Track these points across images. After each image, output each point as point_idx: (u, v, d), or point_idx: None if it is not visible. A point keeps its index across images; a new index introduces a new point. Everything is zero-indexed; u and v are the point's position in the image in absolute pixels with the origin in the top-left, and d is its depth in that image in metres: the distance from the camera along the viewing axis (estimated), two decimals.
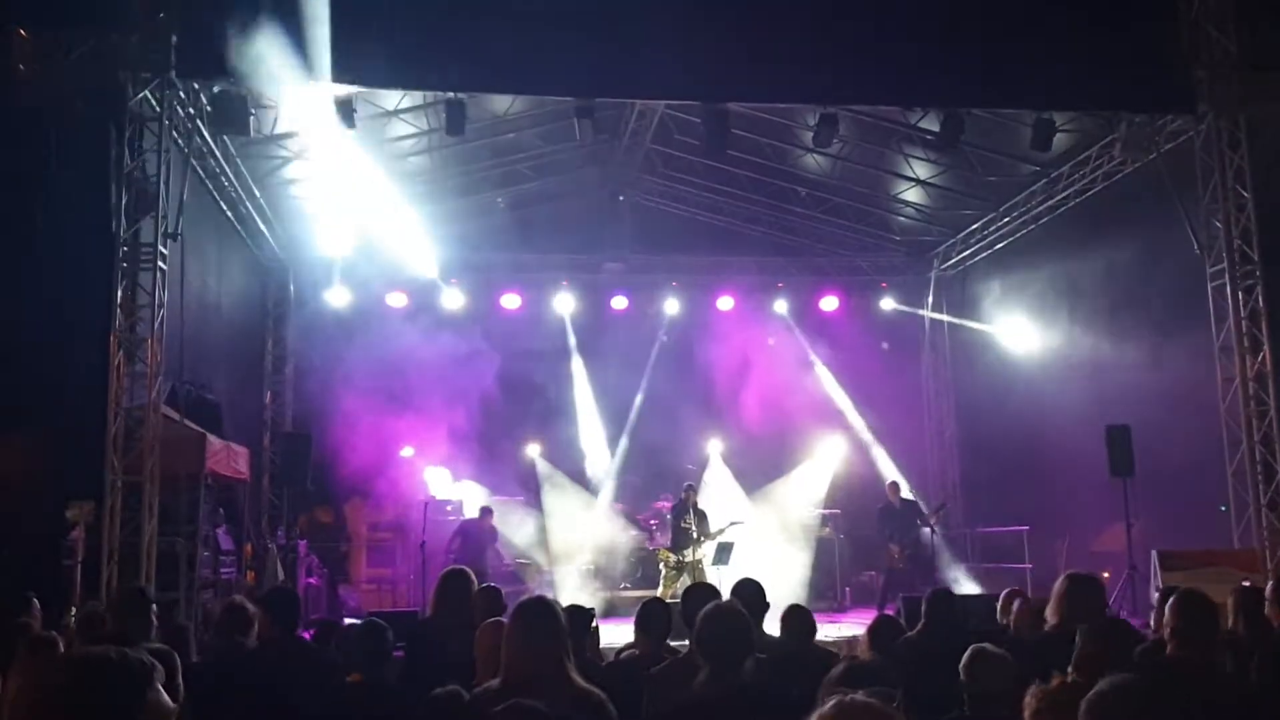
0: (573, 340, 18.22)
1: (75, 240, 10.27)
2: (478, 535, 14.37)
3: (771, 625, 6.11)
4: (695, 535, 14.13)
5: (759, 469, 17.69)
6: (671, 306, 18.47)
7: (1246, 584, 7.25)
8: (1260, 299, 11.66)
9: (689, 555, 14.01)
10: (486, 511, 14.82)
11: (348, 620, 11.08)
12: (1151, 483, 12.24)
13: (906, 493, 15.55)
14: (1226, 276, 11.84)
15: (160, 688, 2.19)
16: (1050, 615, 5.22)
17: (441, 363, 16.49)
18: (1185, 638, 4.34)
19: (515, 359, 16.72)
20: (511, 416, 16.56)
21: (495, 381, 16.42)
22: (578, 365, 18.23)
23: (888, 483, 15.31)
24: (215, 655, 5.84)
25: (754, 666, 4.20)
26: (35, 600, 7.06)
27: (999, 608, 7.22)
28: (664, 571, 14.28)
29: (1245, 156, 11.74)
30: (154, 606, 5.81)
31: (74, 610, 8.85)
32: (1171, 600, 4.49)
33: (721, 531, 14.67)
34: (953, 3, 11.22)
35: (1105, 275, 14.17)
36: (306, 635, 7.69)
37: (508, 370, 16.52)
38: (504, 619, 4.79)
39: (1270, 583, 6.46)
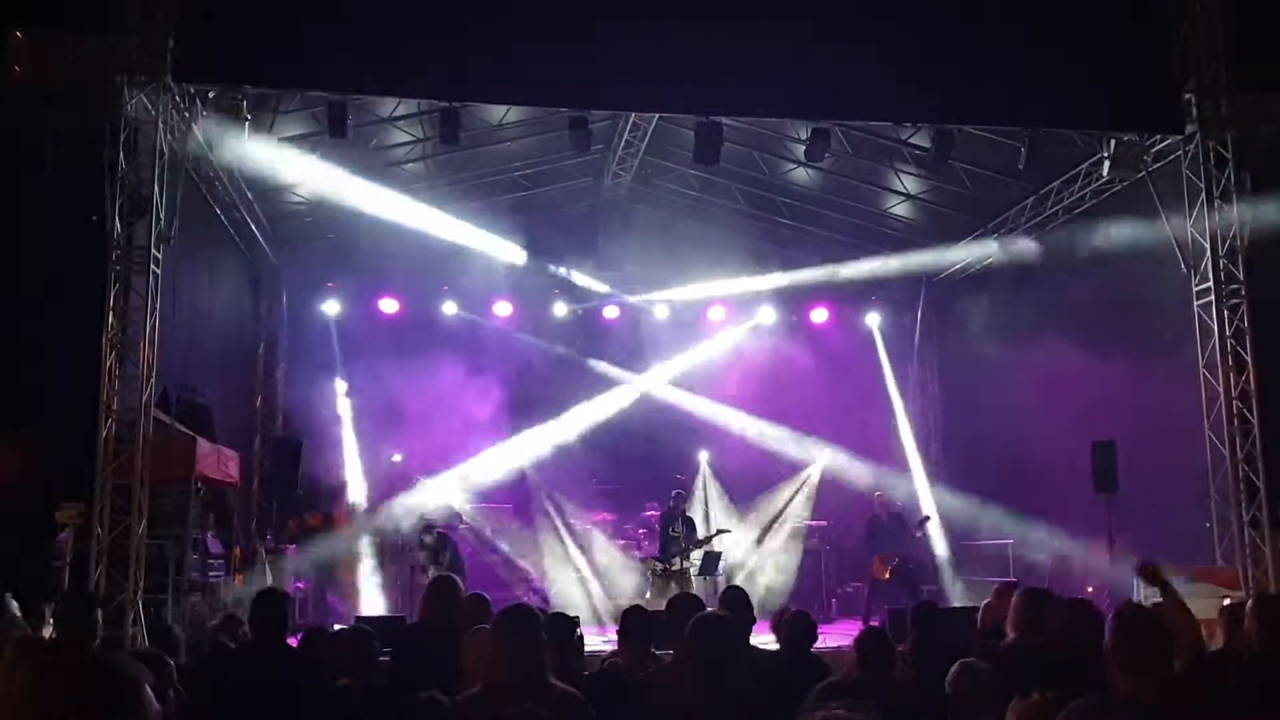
0: (566, 348, 18.25)
1: (69, 242, 10.30)
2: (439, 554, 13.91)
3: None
4: (683, 544, 14.19)
5: (747, 480, 17.76)
6: (662, 315, 18.54)
7: (1228, 601, 7.32)
8: (1245, 318, 11.77)
9: (676, 564, 14.05)
10: (425, 530, 14.33)
11: (336, 625, 11.09)
12: (1135, 498, 12.32)
13: (893, 505, 15.60)
14: (1212, 295, 11.95)
15: (150, 691, 2.24)
16: (1009, 629, 5.29)
17: (432, 370, 16.54)
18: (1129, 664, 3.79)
19: (506, 367, 16.76)
20: (501, 424, 16.58)
21: (485, 389, 16.46)
22: (569, 373, 18.25)
23: (875, 495, 15.36)
24: (203, 658, 5.88)
25: (743, 674, 4.26)
26: (14, 601, 7.07)
27: (979, 618, 7.26)
28: (651, 580, 14.31)
29: (1232, 177, 11.85)
30: (98, 609, 5.78)
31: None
32: (1113, 620, 3.91)
33: (709, 540, 14.72)
34: (944, 21, 11.31)
35: (1092, 292, 14.26)
36: (293, 640, 7.71)
37: (498, 378, 16.56)
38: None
39: (1250, 600, 6.53)
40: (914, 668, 5.89)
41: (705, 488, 17.83)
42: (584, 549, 16.58)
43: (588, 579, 16.14)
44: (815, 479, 17.98)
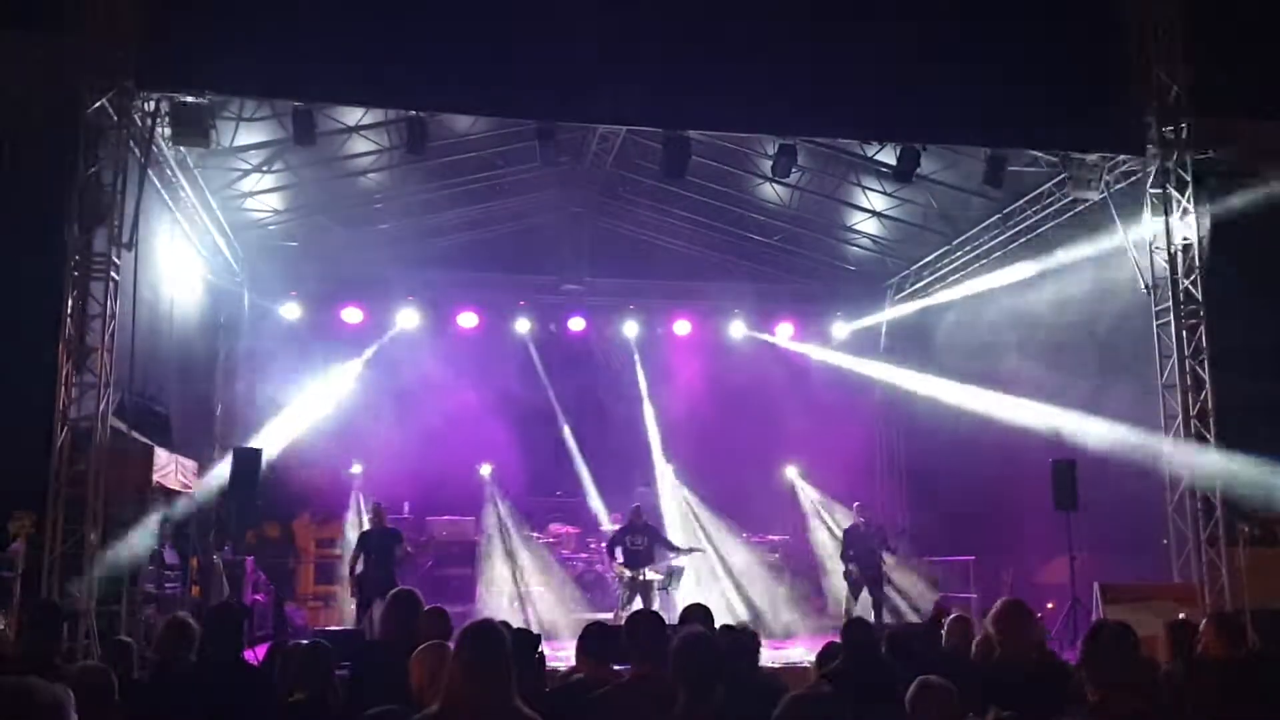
0: (529, 360, 18.19)
1: (27, 247, 10.14)
2: (380, 543, 13.07)
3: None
4: (651, 554, 14.05)
5: (710, 492, 17.75)
6: (629, 329, 18.55)
7: (1182, 616, 7.39)
8: (1203, 338, 11.91)
9: (643, 575, 13.95)
10: (379, 511, 13.63)
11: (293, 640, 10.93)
12: (1095, 516, 12.40)
13: (874, 516, 15.53)
14: (1171, 315, 12.09)
15: (73, 715, 2.18)
16: (996, 643, 5.33)
17: (394, 379, 16.43)
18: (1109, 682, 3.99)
19: (469, 377, 16.67)
20: (463, 435, 16.48)
21: (449, 399, 16.37)
22: (533, 384, 18.19)
23: (854, 504, 15.30)
24: (156, 672, 5.78)
25: (723, 693, 4.21)
26: None
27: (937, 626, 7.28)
28: (620, 592, 14.20)
29: (1192, 198, 12.02)
30: (64, 622, 5.66)
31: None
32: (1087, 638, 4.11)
33: (682, 554, 14.71)
34: (911, 41, 11.39)
35: (1055, 310, 14.35)
36: (257, 652, 7.62)
37: (461, 388, 16.47)
38: (446, 641, 4.77)
39: (1206, 618, 6.58)
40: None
41: (670, 500, 17.80)
42: (544, 562, 16.49)
43: (547, 592, 16.04)
44: (779, 493, 18.00)
